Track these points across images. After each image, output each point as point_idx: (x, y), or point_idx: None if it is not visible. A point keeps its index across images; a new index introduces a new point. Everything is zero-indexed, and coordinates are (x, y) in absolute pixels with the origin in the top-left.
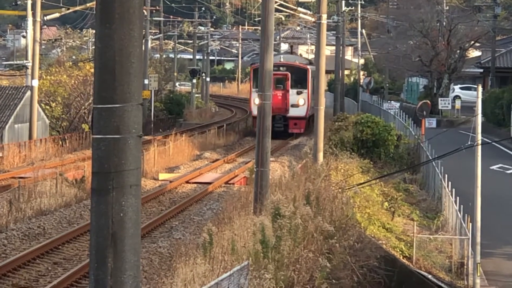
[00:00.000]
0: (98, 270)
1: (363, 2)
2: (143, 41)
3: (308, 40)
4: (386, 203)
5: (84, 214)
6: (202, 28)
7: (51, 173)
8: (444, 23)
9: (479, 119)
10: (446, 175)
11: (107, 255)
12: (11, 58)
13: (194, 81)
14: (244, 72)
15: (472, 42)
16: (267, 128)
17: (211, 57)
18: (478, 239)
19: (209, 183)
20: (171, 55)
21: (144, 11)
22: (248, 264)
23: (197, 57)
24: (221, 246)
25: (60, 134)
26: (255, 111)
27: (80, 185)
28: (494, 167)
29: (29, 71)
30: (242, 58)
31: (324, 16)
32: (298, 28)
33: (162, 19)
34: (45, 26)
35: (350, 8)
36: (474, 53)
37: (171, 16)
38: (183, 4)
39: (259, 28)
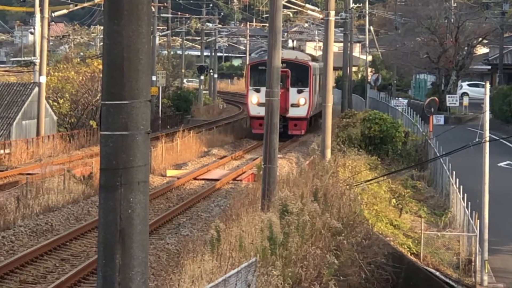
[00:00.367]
0: (106, 266)
1: None
2: (151, 37)
3: (316, 37)
4: (393, 200)
5: (92, 210)
6: (210, 24)
7: (58, 170)
8: (452, 20)
9: (487, 116)
10: (454, 172)
11: (115, 251)
12: (19, 54)
13: (202, 77)
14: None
15: (480, 39)
16: (274, 125)
17: (218, 54)
18: (486, 236)
19: (216, 180)
20: (179, 52)
21: (152, 7)
22: (255, 261)
23: (205, 53)
24: (228, 242)
25: (67, 131)
26: (252, 111)
27: (87, 182)
28: (502, 164)
29: (37, 67)
30: (250, 54)
31: (332, 13)
32: (306, 25)
33: (170, 15)
34: (53, 23)
35: (358, 5)
36: (482, 50)
37: (179, 13)
38: (191, 1)
39: (267, 24)
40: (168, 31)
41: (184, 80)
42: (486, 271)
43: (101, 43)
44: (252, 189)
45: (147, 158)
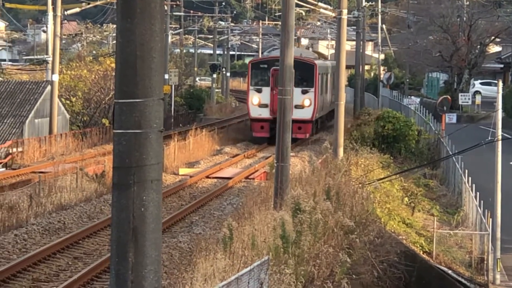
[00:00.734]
0: (119, 264)
1: None
2: (164, 35)
3: (328, 35)
4: (406, 199)
5: (105, 208)
6: (223, 23)
7: (71, 168)
8: (465, 18)
9: (500, 114)
10: (466, 171)
11: (128, 249)
12: (32, 52)
13: (214, 76)
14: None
15: (493, 37)
16: (287, 123)
17: (231, 52)
18: (498, 235)
19: (229, 178)
20: (191, 50)
21: (164, 6)
22: (268, 259)
23: (218, 52)
24: (241, 241)
25: (80, 129)
26: (253, 113)
27: (100, 180)
28: None
29: (50, 65)
30: (262, 53)
31: (345, 11)
32: (319, 23)
33: (182, 14)
34: (65, 21)
35: (370, 3)
36: (494, 49)
37: (192, 11)
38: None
39: (280, 23)
40: (181, 30)
41: (197, 79)
42: (499, 270)
43: (114, 42)
44: (264, 188)
45: (160, 156)
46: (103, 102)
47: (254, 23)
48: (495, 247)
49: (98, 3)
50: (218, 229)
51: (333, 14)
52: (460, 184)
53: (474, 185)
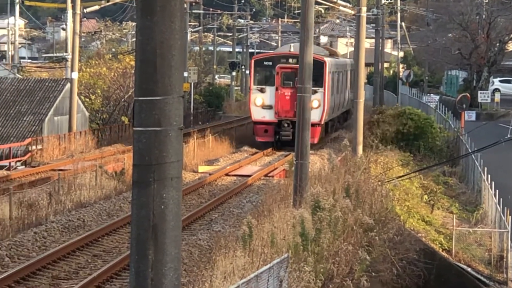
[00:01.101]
0: (139, 262)
1: None
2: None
3: (347, 33)
4: (425, 196)
5: (124, 206)
6: (242, 20)
7: (90, 166)
8: (484, 16)
9: None
10: (486, 168)
11: (148, 247)
12: (51, 50)
13: (234, 73)
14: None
15: None
16: (306, 121)
17: (250, 50)
18: None
19: (248, 176)
20: (211, 48)
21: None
22: (288, 257)
23: (237, 49)
24: (260, 238)
25: (99, 127)
26: (256, 115)
27: (119, 178)
28: None
29: (69, 63)
30: None
31: (364, 9)
32: (338, 21)
33: (201, 11)
34: (84, 19)
35: (389, 1)
36: None
37: (211, 9)
38: None
39: (299, 21)
40: (200, 27)
41: (216, 76)
42: None
43: (133, 39)
44: (284, 185)
45: (180, 154)
46: (123, 100)
47: (273, 21)
48: None
49: (117, 0)
50: (237, 227)
51: (352, 12)
52: (479, 182)
53: (493, 183)
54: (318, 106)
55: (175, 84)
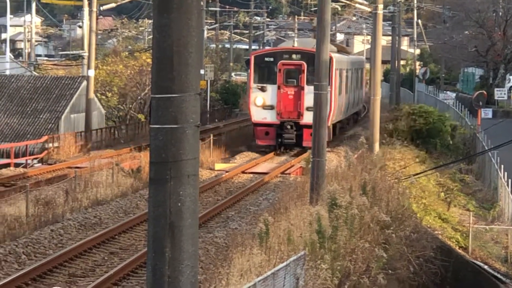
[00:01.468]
0: (155, 259)
1: None
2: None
3: (364, 30)
4: (442, 194)
5: (140, 204)
6: (258, 18)
7: (107, 163)
8: (500, 13)
9: None
10: (502, 166)
11: (165, 244)
12: (67, 48)
13: None
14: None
15: None
16: (323, 118)
17: (267, 47)
18: None
19: (265, 173)
20: (227, 45)
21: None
22: (304, 254)
23: (253, 47)
24: (277, 236)
25: (116, 124)
26: (256, 116)
27: (136, 175)
28: None
29: (85, 61)
30: None
31: (380, 6)
32: (354, 18)
33: (218, 9)
34: (101, 16)
35: None
36: None
37: (227, 6)
38: None
39: (315, 18)
40: (216, 25)
41: (232, 74)
42: None
43: (150, 37)
44: (300, 183)
45: (197, 151)
46: (139, 97)
47: (290, 18)
48: None
49: None
50: (254, 224)
51: (369, 9)
52: (496, 179)
53: (510, 180)
54: None
55: (192, 81)
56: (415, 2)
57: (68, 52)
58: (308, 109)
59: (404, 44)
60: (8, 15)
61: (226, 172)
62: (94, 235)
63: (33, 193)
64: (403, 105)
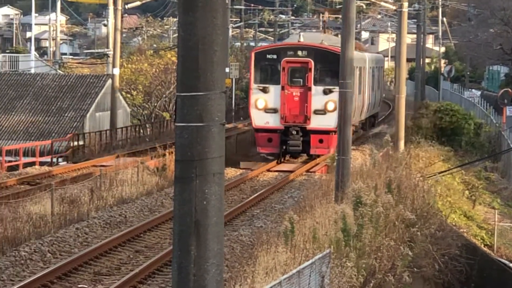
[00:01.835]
0: (181, 258)
1: None
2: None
3: (389, 28)
4: (467, 192)
5: (166, 202)
6: (283, 16)
7: (132, 161)
8: None
9: None
10: None
11: (191, 243)
12: (92, 46)
13: None
14: None
15: None
16: (348, 116)
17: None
18: None
19: (290, 171)
20: (252, 44)
21: None
22: (330, 252)
23: None
24: (302, 234)
25: (141, 122)
26: (258, 121)
27: (161, 174)
28: None
29: (110, 59)
30: None
31: (405, 4)
32: (379, 16)
33: (243, 7)
34: (126, 15)
35: None
36: None
37: (252, 5)
38: None
39: (340, 16)
40: (241, 23)
41: None
42: None
43: (175, 35)
44: (325, 181)
45: (223, 150)
46: (164, 95)
47: (315, 16)
48: None
49: None
50: (279, 222)
51: (394, 7)
52: None
53: None
54: (334, 109)
55: (217, 79)
56: (440, 0)
57: (93, 51)
58: (316, 112)
59: (429, 42)
60: (33, 14)
61: (251, 170)
62: (119, 234)
63: (58, 191)
64: (428, 103)
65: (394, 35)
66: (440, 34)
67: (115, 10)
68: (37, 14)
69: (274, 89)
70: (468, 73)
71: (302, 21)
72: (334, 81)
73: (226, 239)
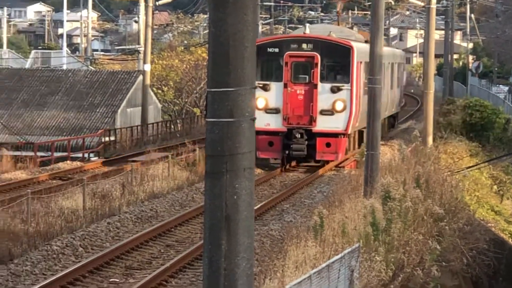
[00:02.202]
0: (212, 252)
1: None
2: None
3: (417, 24)
4: (495, 186)
5: (196, 197)
6: (312, 13)
7: (162, 157)
8: None
9: None
10: None
11: (221, 237)
12: (123, 43)
13: None
14: None
15: None
16: (377, 112)
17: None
18: None
19: (319, 167)
20: None
21: None
22: (359, 247)
23: None
24: (331, 228)
25: (171, 118)
26: (258, 122)
27: (192, 169)
28: None
29: (141, 55)
30: None
31: (434, 0)
32: (408, 12)
33: (272, 4)
34: (156, 11)
35: None
36: None
37: (281, 1)
38: None
39: (369, 12)
40: (271, 19)
41: None
42: None
43: (205, 32)
44: (354, 176)
45: (253, 145)
46: (195, 91)
47: (344, 13)
48: None
49: None
50: (308, 217)
51: (422, 4)
52: None
53: None
54: (343, 109)
55: (248, 75)
56: None
57: (124, 47)
58: (322, 112)
59: (457, 38)
60: (65, 11)
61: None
62: (150, 228)
63: (90, 186)
64: (455, 99)
65: (422, 32)
66: (468, 30)
67: (146, 6)
68: (69, 11)
69: (275, 87)
70: (496, 69)
71: (331, 17)
72: (343, 77)
73: (256, 234)
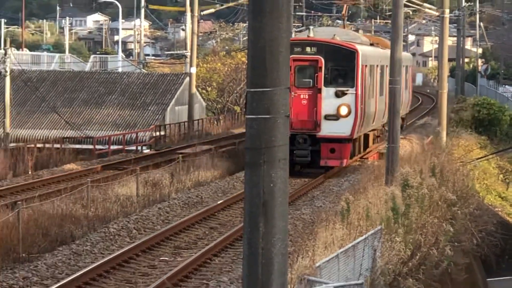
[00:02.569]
0: (251, 234)
1: None
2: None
3: (432, 32)
4: (501, 175)
5: (237, 185)
6: (340, 21)
7: (207, 149)
8: None
9: None
10: None
11: (259, 221)
12: (172, 48)
13: None
14: None
15: None
16: (397, 110)
17: None
18: None
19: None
20: None
21: None
22: (381, 229)
23: None
24: (357, 213)
25: (215, 115)
26: None
27: (233, 160)
28: None
29: (188, 59)
30: None
31: (447, 10)
32: (424, 21)
33: (304, 13)
34: (201, 20)
35: (469, 3)
36: None
37: (312, 11)
38: (323, 1)
39: (390, 21)
40: (303, 27)
41: None
42: None
43: (245, 38)
44: (377, 166)
45: (286, 138)
46: (235, 91)
47: (367, 22)
48: None
49: (230, 4)
50: (336, 203)
51: (437, 13)
52: None
53: None
54: (348, 114)
55: (282, 77)
56: (477, 6)
57: (172, 52)
58: (327, 117)
59: (468, 44)
60: (120, 20)
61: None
62: (196, 212)
63: (142, 175)
64: (465, 98)
65: (437, 38)
66: (478, 36)
67: (192, 16)
68: (123, 20)
69: None
70: (502, 71)
71: (356, 25)
72: (348, 82)
73: (290, 217)
